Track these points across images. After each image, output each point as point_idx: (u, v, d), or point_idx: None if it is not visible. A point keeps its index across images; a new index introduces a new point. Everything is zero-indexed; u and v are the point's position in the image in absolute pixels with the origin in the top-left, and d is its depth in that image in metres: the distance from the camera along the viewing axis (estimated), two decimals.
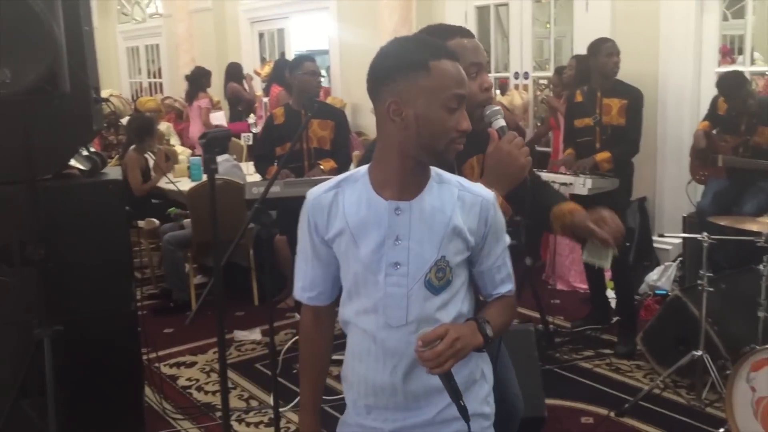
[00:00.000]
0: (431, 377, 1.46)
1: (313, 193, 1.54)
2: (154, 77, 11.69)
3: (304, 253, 1.60)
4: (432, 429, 1.55)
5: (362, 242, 1.48)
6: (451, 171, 1.59)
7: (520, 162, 1.79)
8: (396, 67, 1.43)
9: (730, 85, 4.32)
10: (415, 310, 1.49)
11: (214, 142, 1.91)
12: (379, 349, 1.52)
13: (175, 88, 10.05)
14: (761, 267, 3.17)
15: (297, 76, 4.26)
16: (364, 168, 1.53)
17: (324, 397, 3.67)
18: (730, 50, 6.55)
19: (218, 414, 3.40)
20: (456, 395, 1.43)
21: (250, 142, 6.30)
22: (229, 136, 2.15)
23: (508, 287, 1.63)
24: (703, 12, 4.91)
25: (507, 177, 1.79)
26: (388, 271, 1.47)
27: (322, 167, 4.24)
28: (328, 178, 1.60)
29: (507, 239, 1.60)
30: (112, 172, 3.07)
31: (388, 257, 1.47)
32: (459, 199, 1.50)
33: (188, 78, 7.86)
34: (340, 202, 1.51)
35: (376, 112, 1.48)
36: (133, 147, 5.49)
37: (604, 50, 4.14)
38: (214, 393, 3.74)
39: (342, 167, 4.37)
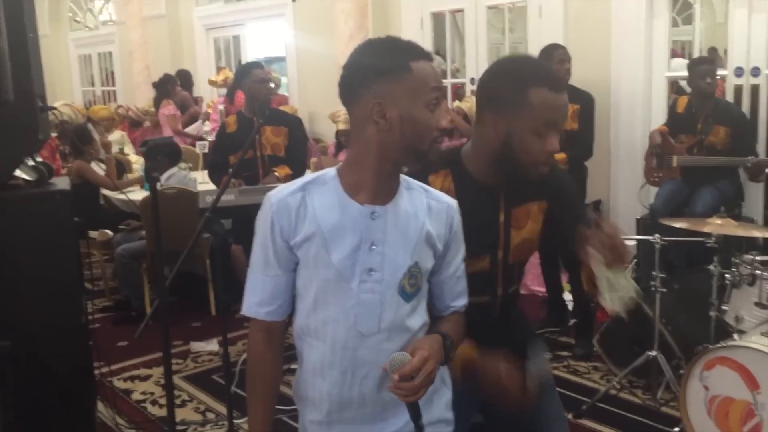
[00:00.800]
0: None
1: (276, 195, 1.47)
2: (108, 85, 11.49)
3: (263, 262, 1.50)
4: None
5: (335, 247, 1.44)
6: (429, 172, 1.65)
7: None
8: (376, 70, 1.42)
9: (698, 60, 4.43)
10: (387, 317, 1.46)
11: (156, 150, 1.87)
12: (347, 360, 1.48)
13: (128, 96, 9.90)
14: (712, 267, 3.22)
15: (246, 84, 4.23)
16: (332, 171, 1.50)
17: (283, 407, 3.62)
18: (679, 54, 6.70)
19: (177, 427, 3.33)
20: (416, 415, 1.41)
21: (206, 150, 6.22)
22: (171, 143, 2.10)
23: (464, 302, 1.62)
24: (653, 17, 5.01)
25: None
26: (363, 278, 1.44)
27: (276, 174, 4.20)
28: (282, 185, 1.56)
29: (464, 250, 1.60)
30: (60, 182, 2.99)
31: (362, 263, 1.44)
32: (427, 205, 1.51)
33: (155, 85, 7.76)
34: (309, 205, 1.45)
35: (353, 116, 1.47)
36: (76, 158, 5.37)
37: (556, 57, 4.19)
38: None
39: (296, 174, 4.33)
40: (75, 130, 5.55)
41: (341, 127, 5.95)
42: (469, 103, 5.87)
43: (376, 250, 1.44)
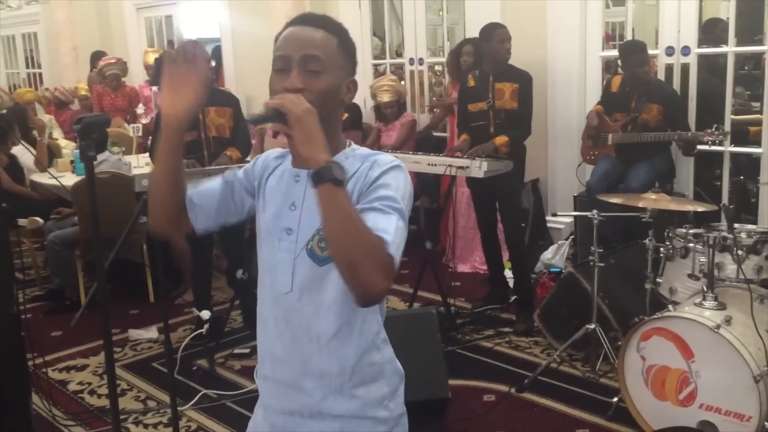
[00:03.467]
0: (313, 351, 1.46)
1: (268, 153, 1.60)
2: (33, 68, 11.03)
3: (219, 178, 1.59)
4: (319, 418, 1.50)
5: (268, 206, 1.53)
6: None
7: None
8: None
9: (631, 48, 4.51)
10: (299, 277, 1.47)
11: (91, 128, 1.78)
12: (271, 314, 1.53)
13: (55, 79, 9.52)
14: (647, 241, 3.31)
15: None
16: None
17: (227, 392, 3.58)
18: (612, 37, 6.83)
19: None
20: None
21: (140, 133, 6.05)
22: (107, 121, 2.02)
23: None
24: None
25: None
26: (281, 236, 1.48)
27: (229, 155, 4.12)
28: (235, 167, 1.59)
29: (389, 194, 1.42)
30: None
31: (282, 222, 1.49)
32: (357, 171, 1.44)
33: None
34: (277, 168, 1.55)
35: None
36: None
37: (496, 36, 4.19)
38: (107, 396, 3.55)
39: (245, 156, 4.25)
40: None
41: (387, 99, 5.87)
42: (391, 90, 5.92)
43: (294, 212, 1.48)
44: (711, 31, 5.24)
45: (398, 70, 6.71)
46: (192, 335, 4.05)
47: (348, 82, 1.49)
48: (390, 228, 1.31)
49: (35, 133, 5.69)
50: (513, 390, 3.47)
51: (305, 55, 1.42)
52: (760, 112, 4.65)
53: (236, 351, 3.99)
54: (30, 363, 3.03)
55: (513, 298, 4.49)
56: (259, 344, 1.59)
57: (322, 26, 1.46)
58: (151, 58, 7.86)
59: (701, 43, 4.82)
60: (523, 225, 4.88)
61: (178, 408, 3.09)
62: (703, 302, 2.90)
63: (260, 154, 1.62)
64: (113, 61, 7.42)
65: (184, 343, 3.99)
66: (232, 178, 1.59)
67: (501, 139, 4.17)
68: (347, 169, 1.37)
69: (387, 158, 1.45)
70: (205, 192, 1.57)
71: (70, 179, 4.90)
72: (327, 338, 1.46)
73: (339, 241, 1.27)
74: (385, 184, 1.38)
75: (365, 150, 1.51)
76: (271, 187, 1.54)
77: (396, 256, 1.29)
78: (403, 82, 6.41)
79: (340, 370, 1.47)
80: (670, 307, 3.00)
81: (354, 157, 1.48)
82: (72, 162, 5.46)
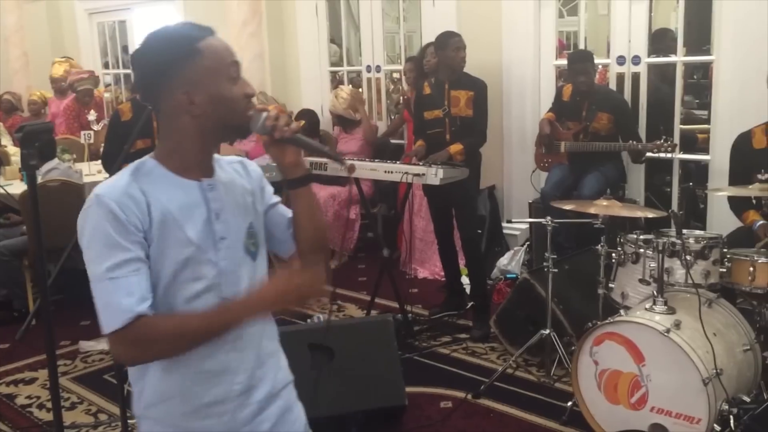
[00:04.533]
0: (267, 346, 1.59)
1: (111, 190, 1.40)
2: None
3: (122, 260, 1.37)
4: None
5: (188, 225, 1.46)
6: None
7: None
8: (168, 62, 1.42)
9: (576, 57, 4.61)
10: (245, 279, 1.53)
11: (32, 136, 1.74)
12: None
13: (5, 84, 9.24)
14: (599, 247, 3.36)
15: None
16: (148, 160, 1.48)
17: None
18: (565, 45, 6.95)
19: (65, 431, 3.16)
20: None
21: (91, 141, 5.93)
22: (50, 129, 1.97)
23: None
24: (541, 8, 5.16)
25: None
26: (218, 247, 1.49)
27: None
28: None
29: None
30: None
31: (216, 233, 1.49)
32: (242, 167, 1.62)
33: None
34: (149, 193, 1.42)
35: (161, 112, 1.48)
36: None
37: (452, 44, 4.22)
38: None
39: None
40: None
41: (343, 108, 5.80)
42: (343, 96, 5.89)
43: (221, 219, 1.50)
44: (660, 41, 5.37)
45: (356, 78, 6.71)
46: None
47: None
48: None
49: None
50: (469, 396, 3.48)
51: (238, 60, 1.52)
52: (708, 120, 4.78)
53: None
54: None
55: (470, 304, 4.52)
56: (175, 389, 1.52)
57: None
58: (59, 70, 7.66)
59: (651, 52, 4.93)
60: (479, 231, 4.92)
61: (129, 421, 3.02)
62: (653, 307, 2.95)
63: (107, 203, 1.39)
64: (85, 75, 7.24)
65: None
66: (139, 261, 1.41)
67: (456, 147, 4.19)
68: (230, 172, 1.61)
69: (240, 159, 1.67)
70: (148, 291, 1.42)
71: (18, 187, 4.78)
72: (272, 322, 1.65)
73: (322, 227, 1.66)
74: (265, 182, 1.70)
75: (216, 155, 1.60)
76: (172, 210, 1.43)
77: None
78: (360, 90, 6.41)
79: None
80: (622, 311, 3.05)
81: (218, 160, 1.59)
82: (20, 170, 5.32)
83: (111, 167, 4.13)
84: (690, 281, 2.94)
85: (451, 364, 3.88)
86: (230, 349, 1.50)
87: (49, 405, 3.54)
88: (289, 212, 1.63)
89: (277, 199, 1.65)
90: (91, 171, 5.31)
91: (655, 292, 2.99)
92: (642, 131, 4.74)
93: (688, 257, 2.96)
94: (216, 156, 1.57)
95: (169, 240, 1.42)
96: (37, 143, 1.75)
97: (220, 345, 1.48)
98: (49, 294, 2.44)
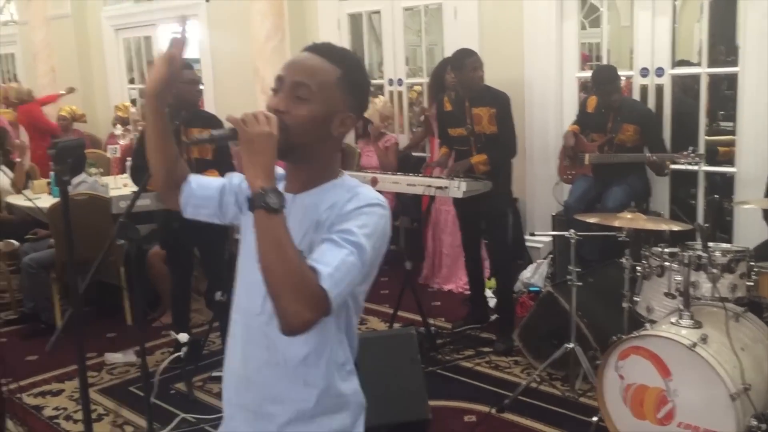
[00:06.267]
0: (280, 376, 1.46)
1: None
2: None
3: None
4: None
5: (251, 228, 1.47)
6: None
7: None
8: None
9: (603, 76, 4.56)
10: (270, 301, 1.42)
11: (65, 153, 1.78)
12: (239, 336, 1.54)
13: None
14: (624, 260, 3.34)
15: (174, 85, 4.04)
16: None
17: (205, 416, 3.54)
18: (588, 57, 6.94)
19: None
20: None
21: (117, 155, 6.02)
22: (82, 145, 2.01)
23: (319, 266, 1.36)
24: (563, 20, 5.16)
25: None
26: (257, 257, 1.45)
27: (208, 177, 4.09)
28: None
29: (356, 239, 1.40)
30: None
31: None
32: (336, 201, 1.44)
33: None
34: None
35: None
36: None
37: (468, 65, 4.15)
38: (83, 421, 3.50)
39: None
40: None
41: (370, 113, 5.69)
42: (378, 104, 5.88)
43: None
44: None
45: (378, 91, 6.74)
46: (170, 358, 4.00)
47: (343, 116, 1.46)
48: (334, 261, 1.32)
49: (14, 156, 5.64)
50: (494, 410, 3.46)
51: (296, 80, 1.43)
52: (733, 132, 4.74)
53: (215, 374, 3.95)
54: (4, 388, 2.99)
55: (493, 317, 4.50)
56: (225, 366, 1.59)
57: (327, 56, 1.46)
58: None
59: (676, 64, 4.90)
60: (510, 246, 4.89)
61: None
62: (679, 321, 2.92)
63: None
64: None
65: (161, 367, 3.94)
66: (229, 184, 1.65)
67: (478, 158, 4.18)
68: (325, 199, 1.43)
69: (370, 194, 1.44)
70: (204, 184, 1.66)
71: (46, 201, 4.86)
72: (294, 364, 1.46)
73: (266, 266, 1.30)
74: (354, 218, 1.38)
75: (354, 182, 1.50)
76: None
77: (330, 288, 1.30)
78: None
79: (306, 397, 1.47)
80: (647, 325, 3.02)
81: (341, 187, 1.48)
82: (48, 184, 5.41)
83: (140, 180, 4.18)
84: (716, 295, 2.91)
85: (474, 377, 3.87)
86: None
87: (75, 416, 3.59)
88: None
89: (329, 236, 1.37)
90: (117, 184, 5.39)
91: (681, 306, 2.96)
92: (667, 144, 4.70)
93: (714, 270, 2.94)
94: (344, 180, 1.49)
95: (244, 232, 1.57)
96: (70, 159, 1.79)
97: None
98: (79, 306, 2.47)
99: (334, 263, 1.31)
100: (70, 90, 8.05)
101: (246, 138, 1.33)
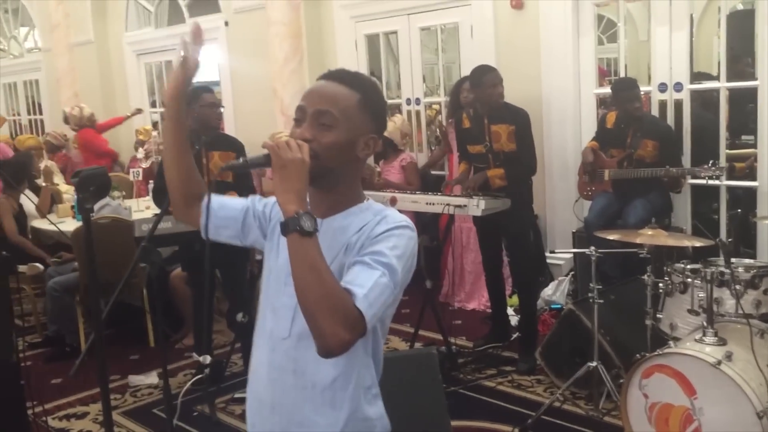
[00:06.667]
0: (306, 400, 1.47)
1: None
2: (35, 114, 11.15)
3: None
4: None
5: (282, 252, 1.50)
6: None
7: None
8: None
9: (623, 85, 4.55)
10: (298, 324, 1.45)
11: (88, 181, 1.81)
12: (263, 360, 1.54)
13: (56, 125, 9.59)
14: (645, 277, 3.31)
15: (195, 109, 4.08)
16: None
17: None
18: (606, 71, 6.92)
19: None
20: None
21: (139, 178, 6.09)
22: (104, 173, 2.05)
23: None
24: (579, 36, 5.16)
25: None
26: (287, 281, 1.46)
27: None
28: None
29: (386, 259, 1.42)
30: None
31: (289, 268, 1.45)
32: (364, 224, 1.47)
33: None
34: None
35: None
36: (6, 192, 5.17)
37: (487, 81, 4.14)
38: None
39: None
40: (18, 165, 5.35)
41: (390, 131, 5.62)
42: (398, 122, 5.90)
43: None
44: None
45: (395, 110, 6.78)
46: (192, 380, 4.02)
47: (366, 138, 1.50)
48: (367, 282, 1.34)
49: (39, 180, 5.75)
50: (517, 430, 3.43)
51: (318, 109, 1.46)
52: (754, 145, 4.70)
53: (237, 395, 3.96)
54: (30, 411, 3.02)
55: (514, 335, 4.47)
56: (248, 390, 1.60)
57: (345, 82, 1.50)
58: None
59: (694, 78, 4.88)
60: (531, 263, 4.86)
61: None
62: (703, 338, 2.89)
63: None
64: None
65: (184, 389, 3.97)
66: (252, 206, 1.66)
67: (495, 171, 4.17)
68: (354, 223, 1.46)
69: (397, 217, 1.48)
70: (226, 204, 1.66)
71: (70, 224, 4.92)
72: (322, 387, 1.47)
73: (301, 289, 1.32)
74: (384, 240, 1.41)
75: (379, 206, 1.54)
76: None
77: (366, 309, 1.32)
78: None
79: (333, 422, 1.47)
80: (671, 343, 3.00)
81: (368, 210, 1.51)
82: (72, 207, 5.49)
83: (162, 203, 4.22)
84: (741, 311, 2.87)
85: (496, 397, 3.84)
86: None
87: None
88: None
89: (361, 259, 1.39)
90: (139, 207, 5.45)
91: (704, 323, 2.93)
92: (687, 158, 4.68)
93: (737, 287, 2.90)
94: (370, 203, 1.53)
95: (269, 254, 1.60)
96: (92, 187, 1.82)
97: None
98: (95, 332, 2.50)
99: (368, 284, 1.34)
100: (137, 111, 8.19)
101: (280, 164, 1.37)
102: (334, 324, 1.28)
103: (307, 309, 1.31)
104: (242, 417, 3.77)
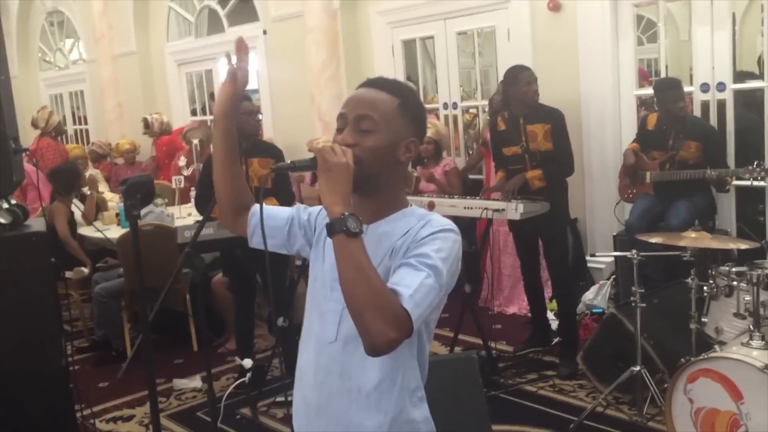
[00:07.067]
0: (352, 403, 1.48)
1: None
2: (80, 124, 11.43)
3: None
4: None
5: (327, 258, 1.54)
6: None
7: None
8: None
9: (666, 84, 4.49)
10: (345, 328, 1.49)
11: (135, 188, 1.86)
12: (310, 364, 1.56)
13: (101, 134, 9.84)
14: (689, 280, 3.26)
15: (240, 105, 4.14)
16: None
17: None
18: (647, 73, 6.83)
19: None
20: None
21: (182, 185, 6.20)
22: (150, 181, 2.11)
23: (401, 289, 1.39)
24: (618, 38, 5.11)
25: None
26: (333, 286, 1.49)
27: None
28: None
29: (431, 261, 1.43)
30: (35, 223, 2.96)
31: (335, 273, 1.46)
32: (409, 229, 1.49)
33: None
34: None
35: None
36: (58, 198, 5.31)
37: (522, 79, 4.14)
38: None
39: (285, 205, 4.29)
40: (69, 172, 5.50)
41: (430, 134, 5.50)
42: (433, 128, 5.87)
43: None
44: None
45: (431, 115, 6.78)
46: (235, 384, 4.08)
47: (407, 142, 1.53)
48: (413, 283, 1.36)
49: (86, 189, 5.89)
50: None
51: (359, 114, 1.50)
52: None
53: (278, 399, 4.00)
54: (78, 415, 3.09)
55: (555, 340, 4.44)
56: (294, 395, 1.62)
57: (384, 88, 1.54)
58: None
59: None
60: (570, 267, 4.81)
61: None
62: (750, 342, 2.84)
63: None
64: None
65: (227, 392, 4.02)
66: (297, 216, 1.69)
67: (533, 173, 4.14)
68: (397, 228, 1.48)
69: (442, 221, 1.50)
70: (273, 214, 1.69)
71: (115, 232, 5.04)
72: (367, 391, 1.49)
73: (349, 289, 1.35)
74: (429, 243, 1.43)
75: (423, 211, 1.56)
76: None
77: (412, 309, 1.34)
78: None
79: (378, 425, 1.49)
80: (717, 347, 2.95)
81: (411, 215, 1.53)
82: (117, 215, 5.61)
83: (204, 210, 4.30)
84: None
85: (538, 401, 3.82)
86: None
87: None
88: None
89: (407, 261, 1.41)
90: (182, 214, 5.55)
91: (751, 327, 2.88)
92: (731, 159, 4.59)
93: None
94: (413, 208, 1.55)
95: (315, 258, 1.63)
96: (139, 195, 1.87)
97: None
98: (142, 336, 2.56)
99: (414, 285, 1.36)
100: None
101: (326, 167, 1.41)
102: (381, 323, 1.30)
103: (355, 309, 1.33)
104: (283, 420, 3.82)
